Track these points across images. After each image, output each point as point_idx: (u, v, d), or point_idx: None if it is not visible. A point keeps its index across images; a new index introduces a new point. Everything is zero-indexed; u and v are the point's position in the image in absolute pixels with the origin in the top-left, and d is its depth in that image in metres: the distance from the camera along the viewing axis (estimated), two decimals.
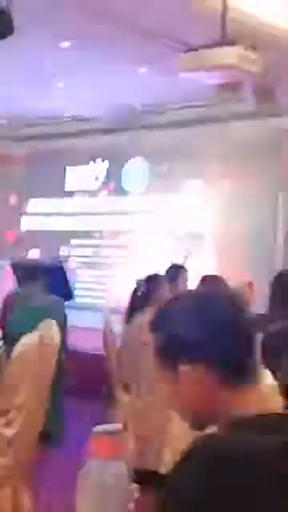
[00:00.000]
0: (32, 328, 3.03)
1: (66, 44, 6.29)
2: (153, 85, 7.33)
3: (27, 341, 2.83)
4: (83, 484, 1.17)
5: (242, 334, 1.38)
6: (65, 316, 4.26)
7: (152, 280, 5.30)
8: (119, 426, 1.19)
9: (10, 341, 3.26)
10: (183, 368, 1.33)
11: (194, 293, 1.58)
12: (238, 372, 1.34)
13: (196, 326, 1.35)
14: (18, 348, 2.83)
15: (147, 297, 5.00)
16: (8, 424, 2.75)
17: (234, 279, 5.91)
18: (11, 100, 8.38)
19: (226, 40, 4.75)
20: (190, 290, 1.65)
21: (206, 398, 1.33)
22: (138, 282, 5.31)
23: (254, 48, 4.69)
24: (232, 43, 4.71)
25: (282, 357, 2.55)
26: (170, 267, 6.39)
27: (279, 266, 7.94)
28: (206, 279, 5.55)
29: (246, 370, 1.35)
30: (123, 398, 4.42)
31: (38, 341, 2.84)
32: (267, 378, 2.40)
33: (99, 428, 1.17)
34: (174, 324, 1.38)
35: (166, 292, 5.02)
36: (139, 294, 5.16)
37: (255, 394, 1.34)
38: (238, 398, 1.32)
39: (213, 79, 5.03)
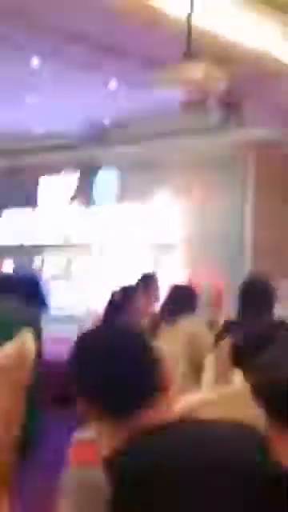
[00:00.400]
0: (7, 340, 3.03)
1: (36, 62, 6.32)
2: (122, 99, 7.38)
3: (3, 353, 2.84)
4: (64, 490, 1.20)
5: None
6: (40, 328, 4.26)
7: (126, 291, 5.32)
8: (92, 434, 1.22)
9: None
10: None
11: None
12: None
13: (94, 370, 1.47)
14: None
15: (121, 308, 5.02)
16: None
17: (204, 284, 5.97)
18: None
19: (191, 54, 4.80)
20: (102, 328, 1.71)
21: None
22: (113, 293, 5.33)
23: (218, 60, 4.75)
24: (197, 58, 4.77)
25: (251, 357, 2.61)
26: (142, 277, 6.42)
27: (247, 268, 8.08)
28: (175, 288, 5.59)
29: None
30: None
31: (14, 352, 2.85)
32: (238, 379, 2.45)
33: (79, 435, 1.20)
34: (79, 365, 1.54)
35: (139, 303, 5.05)
36: (113, 304, 5.18)
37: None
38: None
39: (180, 94, 5.09)
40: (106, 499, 1.19)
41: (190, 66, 4.66)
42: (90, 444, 1.21)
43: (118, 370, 1.43)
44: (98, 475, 1.19)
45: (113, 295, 5.27)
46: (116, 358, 1.45)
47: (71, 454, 1.19)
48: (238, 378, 2.40)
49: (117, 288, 5.35)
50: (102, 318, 5.31)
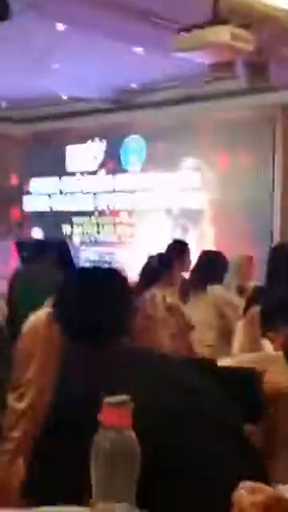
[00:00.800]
0: (39, 306, 3.06)
1: (61, 26, 6.27)
2: (148, 64, 7.31)
3: (35, 318, 2.86)
4: (96, 451, 1.21)
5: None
6: None
7: (164, 258, 5.31)
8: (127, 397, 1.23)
9: (18, 319, 3.30)
10: None
11: None
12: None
13: None
14: (27, 325, 2.86)
15: (158, 272, 5.00)
16: (19, 398, 2.80)
17: (233, 253, 5.94)
18: (9, 82, 8.35)
19: (218, 19, 4.74)
20: None
21: None
22: (150, 257, 5.30)
23: (246, 26, 4.68)
24: (224, 22, 4.70)
25: (277, 322, 2.62)
26: (174, 244, 6.39)
27: (277, 238, 8.00)
28: (206, 254, 5.57)
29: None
30: None
31: (45, 317, 2.88)
32: (268, 345, 2.46)
33: (110, 399, 1.21)
34: None
35: (174, 269, 5.04)
36: (150, 269, 5.16)
37: None
38: None
39: (206, 58, 5.02)
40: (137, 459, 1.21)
41: (216, 29, 4.59)
42: (120, 407, 1.22)
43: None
44: (129, 435, 1.21)
45: (149, 260, 5.23)
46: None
47: (103, 416, 1.20)
48: (268, 344, 2.41)
49: (153, 254, 5.33)
50: (139, 280, 5.27)
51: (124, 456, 1.20)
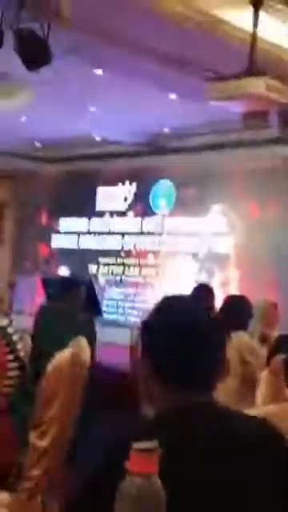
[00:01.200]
0: (63, 345, 3.07)
1: (99, 71, 6.38)
2: (181, 110, 7.39)
3: (60, 358, 2.87)
4: (121, 499, 1.19)
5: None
6: (95, 333, 4.30)
7: (200, 290, 5.27)
8: (155, 443, 1.21)
9: (42, 355, 3.30)
10: None
11: None
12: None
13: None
14: (52, 364, 2.87)
15: None
16: (41, 436, 2.79)
17: (259, 299, 5.89)
18: (46, 123, 8.49)
19: (253, 70, 4.79)
20: None
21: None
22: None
23: (281, 78, 4.72)
24: (259, 73, 4.74)
25: None
26: (198, 287, 6.37)
27: None
28: (230, 298, 5.53)
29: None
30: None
31: (70, 358, 2.88)
32: None
33: (139, 444, 1.19)
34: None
35: None
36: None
37: None
38: None
39: (240, 108, 5.06)
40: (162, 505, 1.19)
41: (252, 80, 4.64)
42: (148, 454, 1.20)
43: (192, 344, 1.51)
44: (156, 483, 1.18)
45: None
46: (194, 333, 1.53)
47: (131, 463, 1.18)
48: None
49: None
50: None
51: (150, 502, 1.17)
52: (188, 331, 1.53)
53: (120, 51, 5.58)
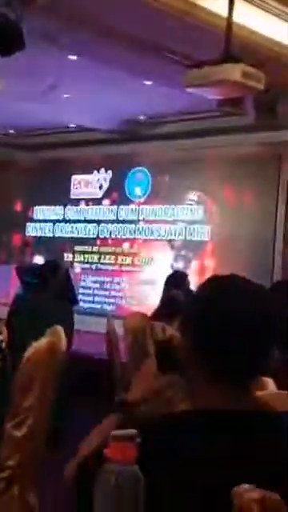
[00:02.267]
0: (40, 334, 3.05)
1: (73, 57, 6.34)
2: (156, 97, 7.37)
3: (37, 347, 2.86)
4: (102, 491, 1.19)
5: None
6: (72, 322, 4.29)
7: (175, 278, 5.26)
8: (134, 431, 1.21)
9: (18, 347, 3.29)
10: None
11: None
12: None
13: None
14: (29, 353, 2.86)
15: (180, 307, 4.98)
16: (18, 426, 2.78)
17: None
18: (18, 110, 8.42)
19: (229, 56, 4.78)
20: None
21: None
22: (174, 291, 5.29)
23: (257, 65, 4.72)
24: (236, 60, 4.74)
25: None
26: (174, 273, 6.39)
27: (277, 275, 7.98)
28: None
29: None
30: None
31: (46, 347, 2.87)
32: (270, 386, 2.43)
33: (117, 432, 1.19)
34: None
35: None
36: (174, 302, 5.14)
37: None
38: None
39: (216, 94, 5.06)
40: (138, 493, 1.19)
41: (228, 67, 4.63)
42: (126, 443, 1.20)
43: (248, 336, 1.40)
44: (133, 472, 1.18)
45: (173, 295, 5.23)
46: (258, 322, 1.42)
47: (110, 452, 1.18)
48: (270, 382, 2.38)
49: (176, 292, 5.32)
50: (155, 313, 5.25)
51: (128, 490, 1.18)
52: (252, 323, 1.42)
53: (95, 37, 5.55)
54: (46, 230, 10.64)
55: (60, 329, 3.03)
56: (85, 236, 10.17)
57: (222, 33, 4.84)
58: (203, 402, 1.41)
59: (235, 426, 1.36)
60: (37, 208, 10.77)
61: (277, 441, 1.37)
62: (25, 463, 2.84)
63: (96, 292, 9.86)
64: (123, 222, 9.81)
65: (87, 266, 10.09)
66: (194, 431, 1.35)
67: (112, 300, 9.61)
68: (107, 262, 9.94)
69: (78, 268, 10.04)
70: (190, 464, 1.30)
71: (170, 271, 7.18)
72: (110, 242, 9.97)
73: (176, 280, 5.98)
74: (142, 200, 9.66)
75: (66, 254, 10.23)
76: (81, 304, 8.44)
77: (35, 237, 10.79)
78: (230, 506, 1.17)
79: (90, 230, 10.14)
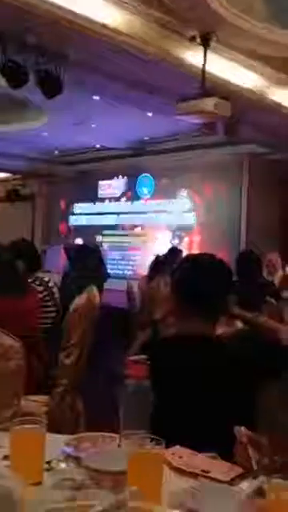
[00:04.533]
0: (81, 292, 3.04)
1: (96, 97, 6.25)
2: (156, 123, 7.29)
3: (79, 301, 2.86)
4: (124, 397, 1.19)
5: None
6: (103, 284, 4.27)
7: (172, 251, 5.28)
8: (145, 357, 1.21)
9: (67, 299, 3.27)
10: None
11: None
12: None
13: None
14: (73, 304, 2.86)
15: (166, 263, 4.99)
16: (67, 355, 2.78)
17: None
18: (61, 137, 8.36)
19: (205, 92, 4.70)
20: None
21: None
22: (157, 256, 5.31)
23: (225, 98, 4.64)
24: (210, 94, 4.66)
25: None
26: (171, 249, 6.34)
27: (242, 246, 7.97)
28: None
29: None
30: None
31: (85, 301, 2.87)
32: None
33: (133, 357, 1.19)
34: None
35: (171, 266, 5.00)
36: (159, 261, 5.14)
37: None
38: None
39: (197, 120, 4.98)
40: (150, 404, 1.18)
41: (205, 101, 4.56)
42: (141, 364, 1.20)
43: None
44: (146, 385, 1.18)
45: (157, 257, 5.24)
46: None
47: (129, 371, 1.18)
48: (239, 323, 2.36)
49: (160, 253, 5.34)
50: (149, 272, 5.26)
51: (143, 397, 1.17)
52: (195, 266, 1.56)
53: (110, 82, 5.46)
54: (83, 221, 10.62)
55: (94, 288, 3.02)
56: (109, 224, 10.15)
57: (199, 77, 4.75)
58: (184, 329, 1.54)
59: (194, 344, 1.50)
60: (76, 205, 10.76)
61: (217, 358, 1.46)
62: (73, 382, 2.85)
63: (119, 262, 9.87)
64: (136, 213, 9.77)
65: (112, 244, 10.09)
66: (175, 347, 1.51)
67: (130, 267, 9.62)
68: (125, 241, 9.93)
69: (105, 246, 10.03)
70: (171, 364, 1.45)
71: (168, 246, 7.14)
72: (127, 227, 9.95)
73: (173, 253, 5.94)
74: (148, 197, 9.62)
75: (97, 237, 10.22)
76: (108, 270, 8.44)
77: (76, 225, 10.78)
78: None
79: (113, 219, 10.12)
